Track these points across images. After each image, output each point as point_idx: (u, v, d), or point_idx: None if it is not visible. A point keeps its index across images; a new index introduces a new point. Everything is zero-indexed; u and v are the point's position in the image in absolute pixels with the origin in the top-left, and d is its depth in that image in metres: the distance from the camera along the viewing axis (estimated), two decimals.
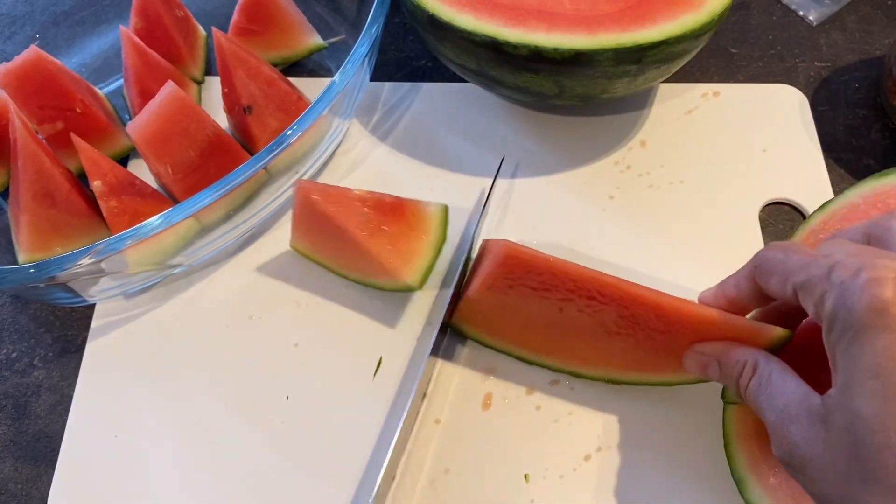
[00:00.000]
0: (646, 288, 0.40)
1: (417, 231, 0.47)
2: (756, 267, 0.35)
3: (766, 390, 0.34)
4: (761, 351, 0.36)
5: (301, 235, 0.49)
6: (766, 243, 0.50)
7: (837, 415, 0.29)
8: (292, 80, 0.55)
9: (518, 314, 0.43)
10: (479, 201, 0.52)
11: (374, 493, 0.39)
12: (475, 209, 0.52)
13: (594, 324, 0.41)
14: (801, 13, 0.61)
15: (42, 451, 0.45)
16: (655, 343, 0.40)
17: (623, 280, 0.40)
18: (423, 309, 0.48)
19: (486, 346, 0.45)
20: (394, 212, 0.47)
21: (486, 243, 0.46)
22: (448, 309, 0.44)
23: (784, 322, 0.38)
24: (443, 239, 0.47)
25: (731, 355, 0.37)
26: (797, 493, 0.38)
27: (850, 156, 0.54)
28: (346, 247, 0.46)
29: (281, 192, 0.51)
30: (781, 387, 0.33)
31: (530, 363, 0.44)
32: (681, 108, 0.56)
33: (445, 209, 0.47)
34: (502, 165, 0.53)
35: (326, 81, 0.46)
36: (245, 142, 0.53)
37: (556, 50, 0.44)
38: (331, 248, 0.48)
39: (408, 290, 0.47)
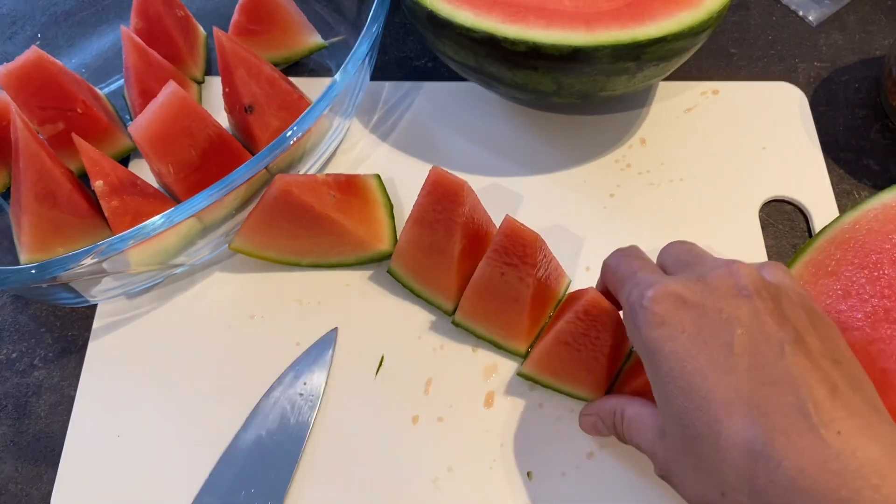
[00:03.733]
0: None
1: (371, 201, 0.50)
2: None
3: (630, 428, 0.37)
4: (623, 396, 0.39)
5: (260, 233, 0.48)
6: (765, 241, 0.50)
7: (661, 409, 0.33)
8: (293, 79, 0.55)
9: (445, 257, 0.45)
10: None
11: None
12: None
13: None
14: (800, 13, 0.62)
15: (42, 452, 0.45)
16: (570, 353, 0.42)
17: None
18: (424, 308, 0.48)
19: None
20: (350, 188, 0.49)
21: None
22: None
23: None
24: (390, 204, 0.50)
25: (604, 409, 0.40)
26: None
27: (849, 156, 0.54)
28: (323, 232, 0.48)
29: None
30: (639, 420, 0.36)
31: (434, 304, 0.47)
32: (680, 106, 0.56)
33: (378, 177, 0.51)
34: None
35: (327, 81, 0.47)
36: (246, 141, 0.53)
37: (554, 46, 0.44)
38: (303, 238, 0.48)
39: (384, 258, 0.49)
